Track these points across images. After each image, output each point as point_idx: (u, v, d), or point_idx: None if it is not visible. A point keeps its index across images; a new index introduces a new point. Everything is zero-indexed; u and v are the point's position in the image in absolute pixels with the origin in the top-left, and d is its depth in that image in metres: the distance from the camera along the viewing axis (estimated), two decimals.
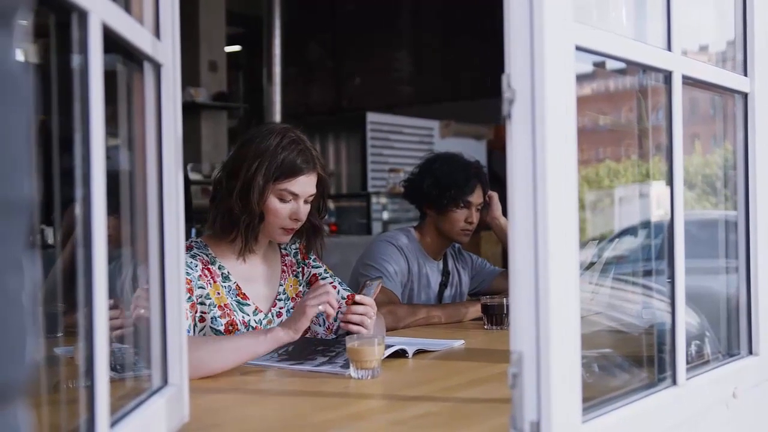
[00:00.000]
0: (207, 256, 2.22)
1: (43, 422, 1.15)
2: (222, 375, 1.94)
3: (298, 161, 2.19)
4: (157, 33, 1.35)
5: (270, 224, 2.23)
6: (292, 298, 2.36)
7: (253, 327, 2.22)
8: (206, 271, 2.18)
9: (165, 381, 1.37)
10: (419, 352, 2.19)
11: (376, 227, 7.32)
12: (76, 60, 1.02)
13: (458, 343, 2.36)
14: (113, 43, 1.12)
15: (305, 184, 2.21)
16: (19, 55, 0.59)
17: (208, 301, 2.15)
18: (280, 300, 2.34)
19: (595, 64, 1.47)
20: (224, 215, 2.20)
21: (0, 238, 0.57)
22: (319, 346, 2.14)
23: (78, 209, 1.02)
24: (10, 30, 0.58)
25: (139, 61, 1.31)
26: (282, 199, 2.20)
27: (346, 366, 1.91)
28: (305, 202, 2.23)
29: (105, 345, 1.02)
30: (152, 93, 1.35)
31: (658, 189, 1.92)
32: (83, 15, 0.99)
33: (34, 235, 0.63)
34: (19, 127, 0.58)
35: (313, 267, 2.44)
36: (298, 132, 2.26)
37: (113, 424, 1.10)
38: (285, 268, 2.39)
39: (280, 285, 2.35)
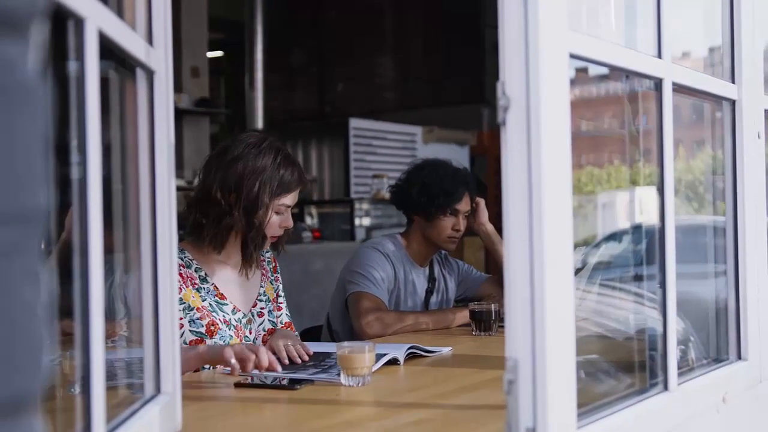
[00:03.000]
0: (182, 259, 2.26)
1: None
2: (215, 384, 1.94)
3: (296, 177, 2.31)
4: (150, 40, 1.34)
5: None
6: (272, 300, 2.45)
7: (234, 326, 2.29)
8: (179, 276, 2.21)
9: (158, 390, 1.36)
10: (411, 357, 2.19)
11: (360, 233, 7.30)
12: (71, 66, 1.01)
13: (446, 350, 2.36)
14: (106, 49, 1.11)
15: (296, 196, 2.34)
16: (34, 65, 0.59)
17: (182, 306, 2.20)
18: (261, 300, 2.41)
19: (578, 70, 1.48)
20: (226, 231, 2.26)
21: (17, 248, 0.56)
22: (311, 361, 2.13)
23: (74, 216, 1.01)
24: (25, 40, 0.57)
25: (132, 68, 1.31)
26: (278, 213, 2.30)
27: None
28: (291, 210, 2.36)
29: (102, 354, 1.02)
30: (145, 100, 1.34)
31: (641, 195, 1.93)
32: (80, 22, 0.98)
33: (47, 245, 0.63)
34: (35, 136, 0.57)
35: (279, 282, 2.54)
36: (279, 144, 2.35)
37: None
38: (264, 271, 2.47)
39: (261, 286, 2.43)
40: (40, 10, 0.60)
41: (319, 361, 2.13)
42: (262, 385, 1.87)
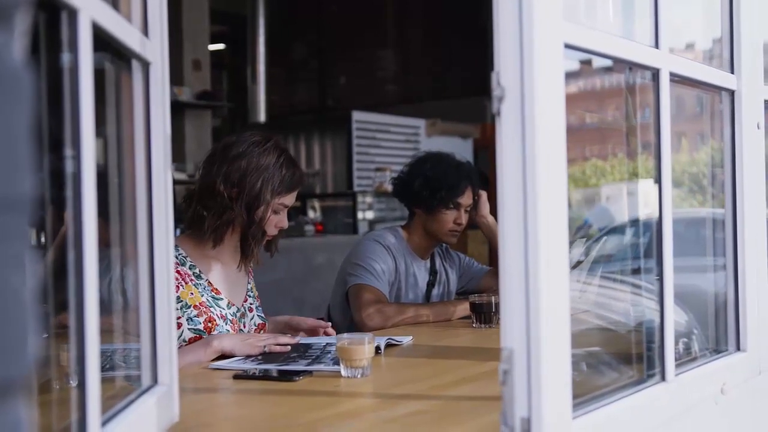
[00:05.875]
0: (176, 257, 2.27)
1: (33, 422, 1.14)
2: (211, 376, 1.94)
3: (297, 178, 2.35)
4: (145, 31, 1.34)
5: None
6: (257, 296, 2.51)
7: (230, 320, 2.32)
8: (176, 274, 2.22)
9: (155, 380, 1.36)
10: (389, 346, 2.24)
11: (362, 227, 7.31)
12: (65, 58, 1.01)
13: (407, 339, 2.39)
14: (101, 41, 1.11)
15: (294, 197, 2.38)
16: (20, 54, 0.59)
17: (179, 304, 2.22)
18: (250, 296, 2.47)
19: (582, 62, 1.48)
20: (226, 225, 2.29)
21: (3, 234, 0.57)
22: (293, 353, 2.13)
23: (68, 210, 1.01)
24: (10, 29, 0.58)
25: (128, 59, 1.31)
26: (275, 212, 2.33)
27: (336, 362, 1.91)
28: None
29: (96, 345, 1.02)
30: (141, 92, 1.35)
31: (645, 187, 1.93)
32: (73, 13, 0.98)
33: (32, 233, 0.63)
34: (20, 125, 0.58)
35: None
36: (283, 144, 2.39)
37: (104, 423, 1.09)
38: (250, 270, 2.51)
39: (249, 283, 2.48)
40: None
41: (303, 352, 2.14)
42: (261, 377, 1.88)
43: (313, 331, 2.43)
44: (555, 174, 1.20)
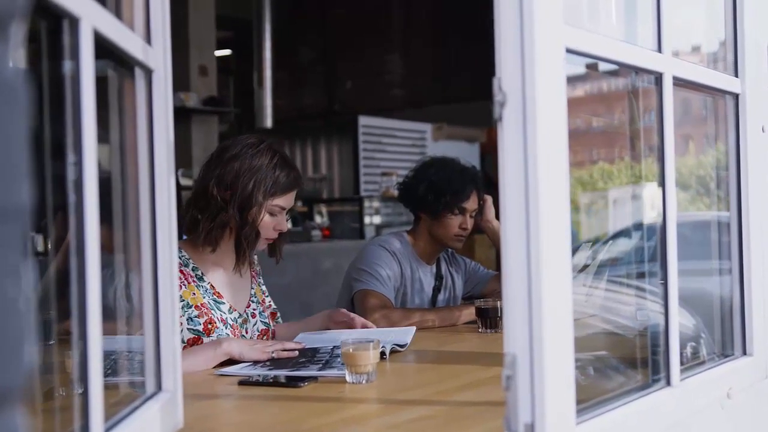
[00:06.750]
0: (180, 258, 2.28)
1: (38, 429, 1.14)
2: (216, 382, 1.94)
3: (291, 179, 2.34)
4: (148, 39, 1.35)
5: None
6: (261, 302, 2.49)
7: (230, 324, 2.32)
8: (179, 274, 2.23)
9: (159, 387, 1.36)
10: (394, 352, 2.23)
11: (369, 231, 7.30)
12: (67, 66, 1.02)
13: (411, 331, 2.42)
14: (104, 48, 1.11)
15: (292, 198, 2.37)
16: (16, 63, 0.60)
17: (181, 303, 2.22)
18: (253, 301, 2.46)
19: (588, 66, 1.48)
20: (220, 228, 2.29)
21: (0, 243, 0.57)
22: (301, 358, 2.13)
23: (70, 216, 1.01)
24: (6, 37, 0.58)
25: (130, 66, 1.31)
26: (272, 214, 2.33)
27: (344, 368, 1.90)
28: (287, 213, 2.39)
29: (99, 352, 1.02)
30: (143, 99, 1.35)
31: (651, 191, 1.93)
32: (74, 21, 0.99)
33: (29, 241, 0.63)
34: (16, 133, 0.58)
35: (263, 284, 2.57)
36: (278, 146, 2.39)
37: (107, 430, 1.09)
38: (254, 274, 2.51)
39: (252, 288, 2.47)
40: (21, 9, 0.60)
41: (311, 357, 2.13)
42: (266, 383, 1.88)
43: (349, 324, 2.45)
44: (557, 178, 1.19)
